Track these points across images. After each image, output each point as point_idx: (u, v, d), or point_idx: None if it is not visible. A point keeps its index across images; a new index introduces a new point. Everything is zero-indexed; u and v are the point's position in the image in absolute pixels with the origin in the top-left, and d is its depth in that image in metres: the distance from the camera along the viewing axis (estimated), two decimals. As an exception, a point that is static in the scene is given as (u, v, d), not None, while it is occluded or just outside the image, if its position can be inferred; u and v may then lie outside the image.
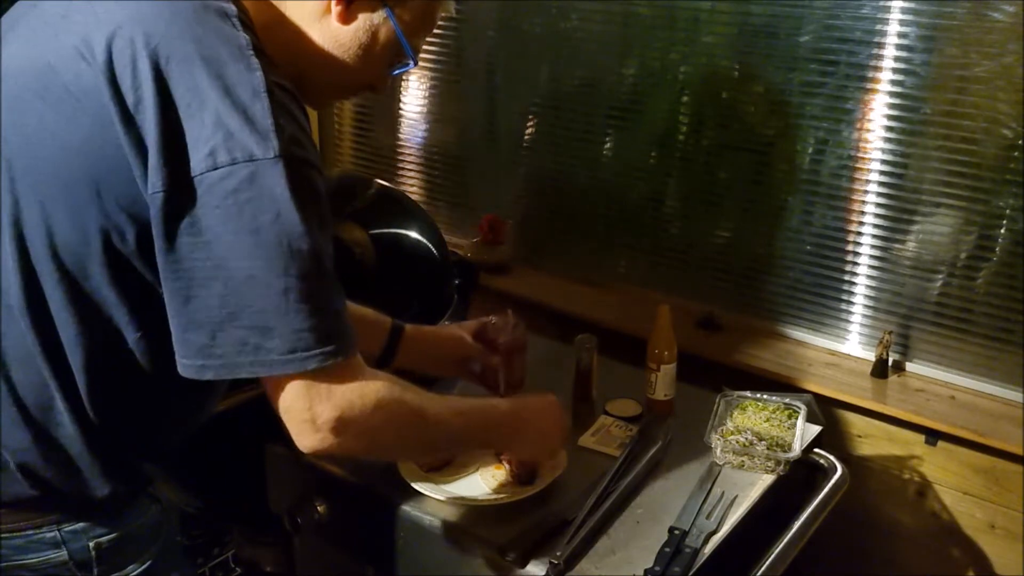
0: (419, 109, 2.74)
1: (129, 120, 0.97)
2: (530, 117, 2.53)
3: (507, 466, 1.47)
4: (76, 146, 0.99)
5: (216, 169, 0.95)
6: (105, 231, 1.01)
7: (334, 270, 1.03)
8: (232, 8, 1.03)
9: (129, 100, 0.97)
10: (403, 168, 2.82)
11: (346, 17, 1.10)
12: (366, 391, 1.05)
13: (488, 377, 1.62)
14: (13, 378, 1.06)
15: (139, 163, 0.97)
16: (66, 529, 1.12)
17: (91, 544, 1.13)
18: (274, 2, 1.10)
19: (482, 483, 1.47)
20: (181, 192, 0.95)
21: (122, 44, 0.97)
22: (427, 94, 2.71)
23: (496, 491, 1.44)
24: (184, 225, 0.96)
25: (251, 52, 0.99)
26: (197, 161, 0.95)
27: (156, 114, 0.95)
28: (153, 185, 0.96)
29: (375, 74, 1.19)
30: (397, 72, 1.20)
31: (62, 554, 1.12)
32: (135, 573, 1.18)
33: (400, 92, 2.74)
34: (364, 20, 1.11)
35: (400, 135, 2.80)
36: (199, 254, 0.96)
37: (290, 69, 1.11)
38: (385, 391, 1.07)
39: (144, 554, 1.19)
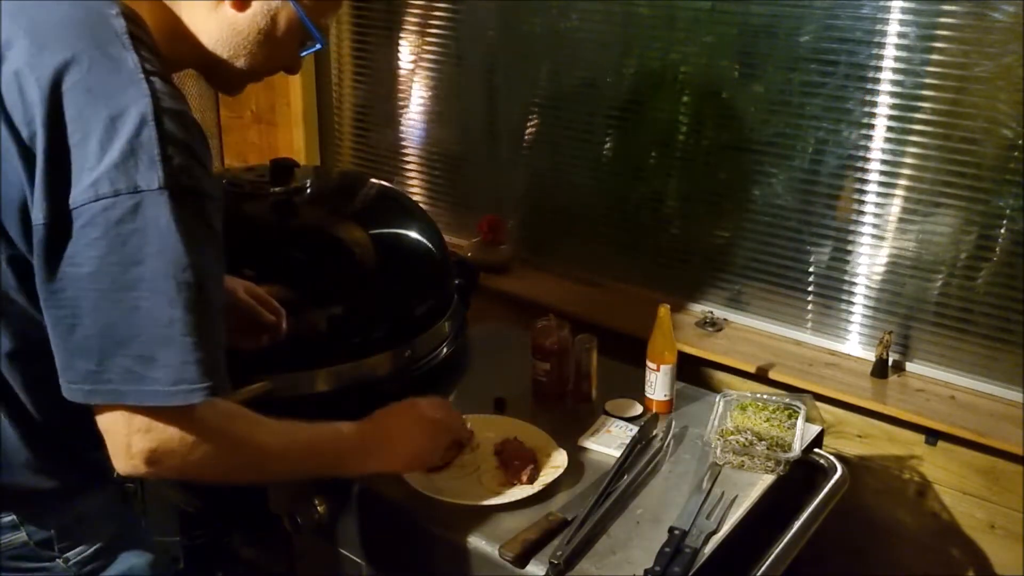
0: (419, 109, 2.74)
1: (27, 154, 0.96)
2: (530, 117, 2.53)
3: (507, 467, 1.48)
4: None
5: (98, 200, 0.94)
6: (13, 263, 1.01)
7: (221, 301, 1.02)
8: (122, 24, 1.01)
9: (24, 134, 0.96)
10: (403, 168, 2.82)
11: (240, 4, 1.09)
12: (188, 430, 1.02)
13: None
14: None
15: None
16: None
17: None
18: (167, 3, 1.09)
19: (482, 483, 1.47)
20: (62, 224, 0.95)
21: (9, 76, 0.97)
22: (427, 94, 2.71)
23: (496, 491, 1.44)
24: (66, 256, 0.96)
25: (141, 76, 0.98)
26: (79, 192, 0.95)
27: (44, 146, 0.95)
28: (35, 217, 0.96)
29: (284, 57, 1.18)
30: (306, 53, 1.19)
31: (21, 535, 1.12)
32: (96, 547, 1.18)
33: (400, 92, 2.74)
34: (260, 5, 1.10)
35: (400, 135, 2.80)
36: (82, 284, 0.96)
37: (195, 63, 1.10)
38: (212, 427, 1.05)
39: (103, 531, 1.20)
